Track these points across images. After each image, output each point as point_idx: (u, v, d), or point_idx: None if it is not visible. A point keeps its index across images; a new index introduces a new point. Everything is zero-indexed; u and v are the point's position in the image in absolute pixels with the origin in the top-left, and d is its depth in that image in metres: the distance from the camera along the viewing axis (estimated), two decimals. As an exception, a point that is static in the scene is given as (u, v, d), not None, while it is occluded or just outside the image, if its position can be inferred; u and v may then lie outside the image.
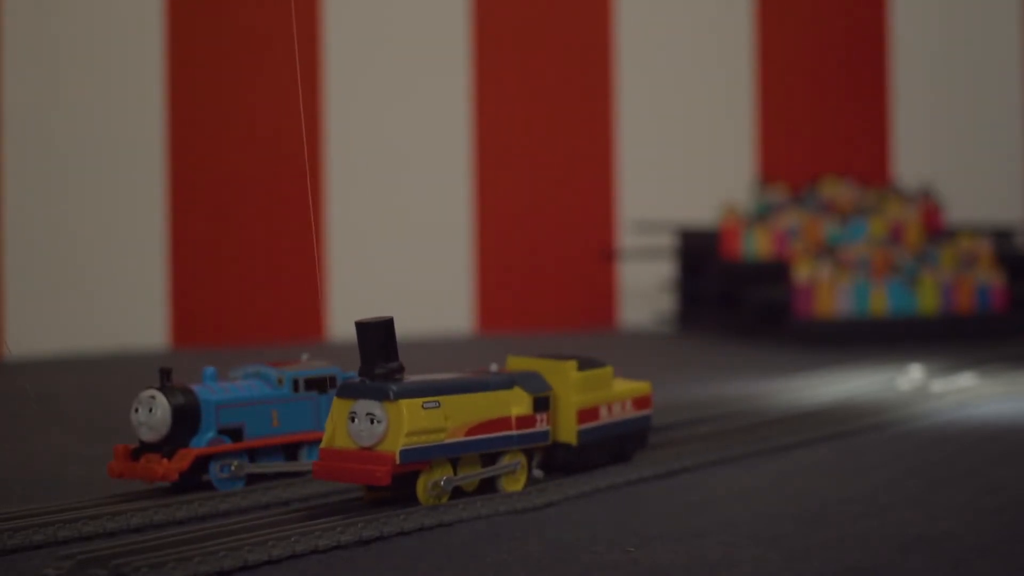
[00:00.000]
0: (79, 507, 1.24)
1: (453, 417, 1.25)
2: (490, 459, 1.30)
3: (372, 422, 1.21)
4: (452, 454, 1.25)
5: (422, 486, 1.24)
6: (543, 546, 1.16)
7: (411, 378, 1.24)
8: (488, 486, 1.31)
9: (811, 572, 1.07)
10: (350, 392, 1.23)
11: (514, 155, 3.24)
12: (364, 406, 1.21)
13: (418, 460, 1.22)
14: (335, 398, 1.24)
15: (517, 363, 1.40)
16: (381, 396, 1.21)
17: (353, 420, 1.21)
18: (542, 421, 1.33)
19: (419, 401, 1.22)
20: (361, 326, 1.22)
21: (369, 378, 1.22)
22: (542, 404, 1.33)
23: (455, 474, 1.26)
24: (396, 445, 1.20)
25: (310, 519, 1.18)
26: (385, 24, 3.13)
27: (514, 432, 1.31)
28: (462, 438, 1.26)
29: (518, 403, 1.32)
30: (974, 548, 1.14)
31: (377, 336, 1.22)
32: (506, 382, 1.31)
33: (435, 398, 1.23)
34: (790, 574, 1.07)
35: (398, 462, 1.20)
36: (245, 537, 1.11)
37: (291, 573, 1.08)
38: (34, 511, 1.22)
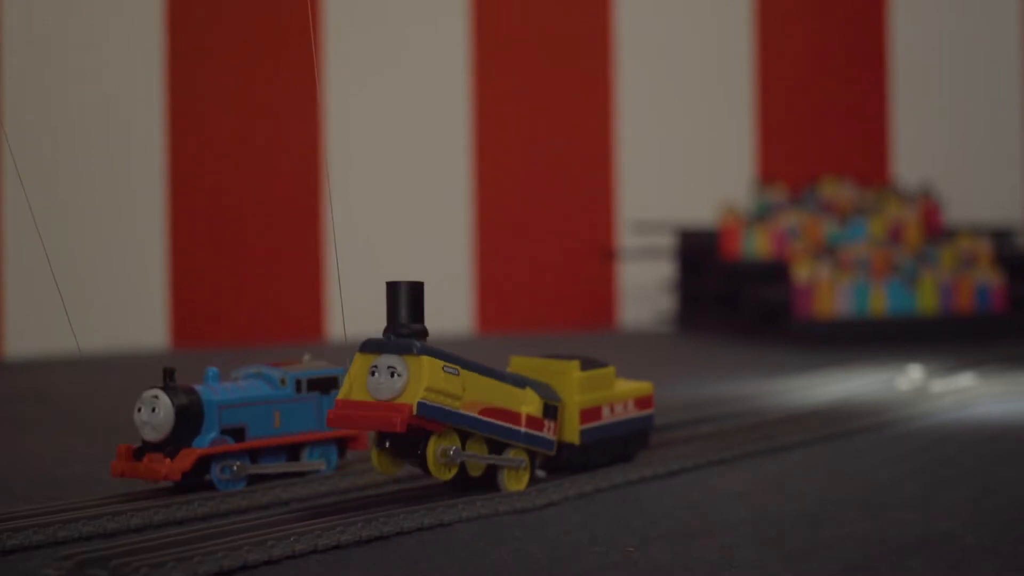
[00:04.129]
0: (79, 507, 1.24)
1: (469, 391, 1.26)
2: (496, 450, 1.31)
3: (393, 375, 1.22)
4: (464, 425, 1.26)
5: (431, 452, 1.24)
6: (543, 546, 1.16)
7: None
8: (489, 484, 1.31)
9: (811, 572, 1.07)
10: (373, 347, 1.24)
11: (514, 155, 3.24)
12: (386, 360, 1.23)
13: (433, 417, 1.23)
14: (357, 353, 1.25)
15: (520, 363, 1.40)
16: (404, 351, 1.22)
17: (373, 374, 1.22)
18: (549, 429, 1.34)
19: (440, 362, 1.24)
20: (392, 285, 1.24)
21: (394, 335, 1.23)
22: (551, 412, 1.34)
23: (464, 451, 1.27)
24: (414, 398, 1.21)
25: (310, 519, 1.19)
26: (385, 24, 3.13)
27: (522, 428, 1.32)
28: (475, 414, 1.26)
29: (529, 403, 1.33)
30: (974, 548, 1.14)
31: (406, 296, 1.25)
32: (519, 381, 1.33)
33: (455, 366, 1.25)
34: (790, 574, 1.07)
35: (415, 413, 1.20)
36: (245, 537, 1.11)
37: (291, 573, 1.08)
38: (34, 511, 1.22)
